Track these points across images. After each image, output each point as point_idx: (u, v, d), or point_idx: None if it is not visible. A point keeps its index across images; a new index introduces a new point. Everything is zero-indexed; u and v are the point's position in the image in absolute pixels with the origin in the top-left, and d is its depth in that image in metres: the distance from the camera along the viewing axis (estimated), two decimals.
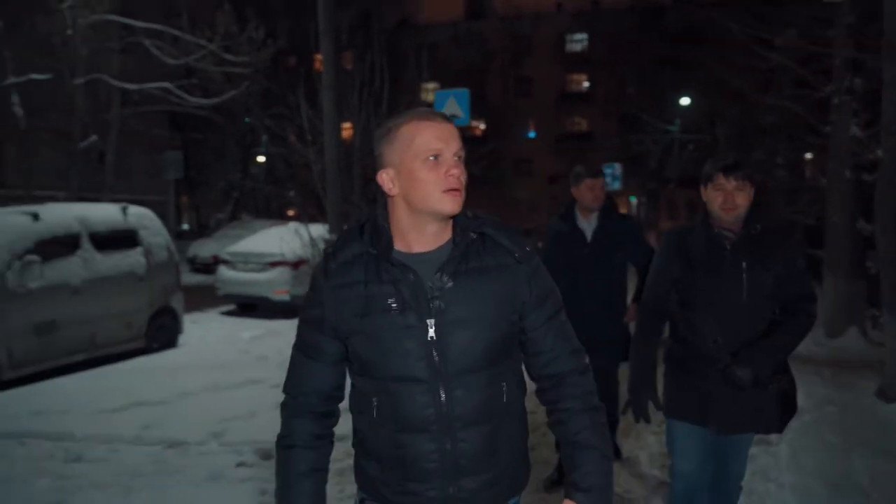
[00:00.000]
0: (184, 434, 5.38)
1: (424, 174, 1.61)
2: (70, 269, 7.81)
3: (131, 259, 8.60)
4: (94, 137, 17.10)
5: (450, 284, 1.62)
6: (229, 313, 12.43)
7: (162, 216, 20.41)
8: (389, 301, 1.61)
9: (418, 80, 17.95)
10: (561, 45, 45.65)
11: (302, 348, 1.75)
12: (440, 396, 1.62)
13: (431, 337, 1.61)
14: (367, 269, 1.65)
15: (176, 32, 16.51)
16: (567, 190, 4.38)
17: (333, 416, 1.78)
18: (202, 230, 29.12)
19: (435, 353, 1.61)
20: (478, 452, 1.66)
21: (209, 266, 17.25)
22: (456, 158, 1.63)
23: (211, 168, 29.46)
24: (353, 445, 1.79)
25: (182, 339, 9.37)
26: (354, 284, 1.65)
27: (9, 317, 7.13)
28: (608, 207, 4.28)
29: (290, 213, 24.19)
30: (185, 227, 33.41)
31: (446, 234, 1.67)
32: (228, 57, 16.57)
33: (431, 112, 1.66)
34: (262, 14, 18.09)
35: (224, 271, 12.42)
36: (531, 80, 45.35)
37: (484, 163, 23.52)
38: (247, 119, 26.55)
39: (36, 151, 17.91)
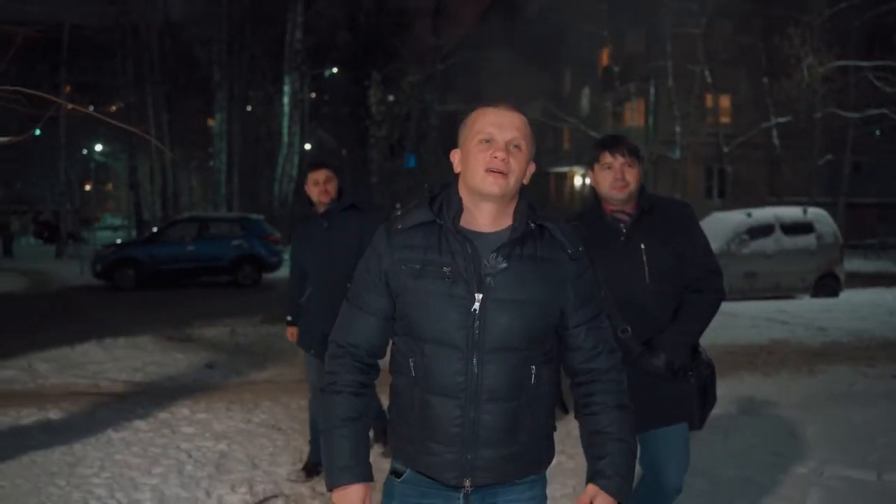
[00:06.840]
0: None
1: (475, 154, 1.73)
2: (767, 244, 13.60)
3: (807, 240, 13.80)
4: (828, 156, 22.50)
5: (503, 265, 1.70)
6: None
7: None
8: (445, 269, 1.71)
9: None
10: None
11: (355, 301, 1.82)
12: (472, 367, 1.70)
13: (475, 310, 1.69)
14: (429, 237, 1.74)
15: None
16: None
17: (376, 368, 1.85)
18: None
19: (475, 326, 1.69)
20: (498, 427, 1.72)
21: None
22: (511, 146, 1.72)
23: None
24: (388, 408, 1.88)
25: (842, 295, 13.96)
26: (415, 248, 1.74)
27: (729, 267, 13.26)
28: None
29: None
30: None
31: (507, 219, 1.76)
32: None
33: (501, 101, 1.78)
34: None
35: None
36: None
37: None
38: None
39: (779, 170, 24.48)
